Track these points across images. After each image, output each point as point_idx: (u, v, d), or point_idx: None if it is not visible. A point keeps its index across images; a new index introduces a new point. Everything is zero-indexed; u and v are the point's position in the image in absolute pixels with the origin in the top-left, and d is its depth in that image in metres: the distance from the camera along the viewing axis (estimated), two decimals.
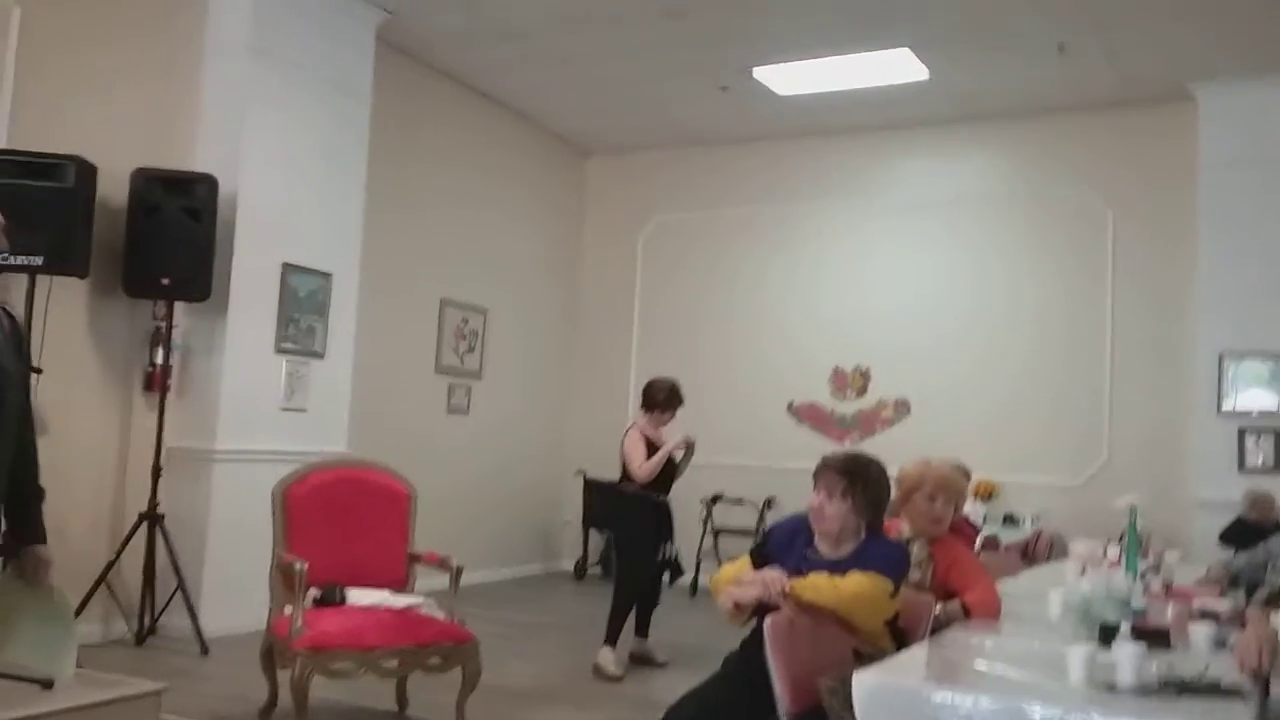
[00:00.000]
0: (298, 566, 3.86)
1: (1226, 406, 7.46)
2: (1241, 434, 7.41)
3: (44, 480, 2.86)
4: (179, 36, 6.37)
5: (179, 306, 6.11)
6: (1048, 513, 7.77)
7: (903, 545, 3.51)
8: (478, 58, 8.14)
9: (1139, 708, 2.39)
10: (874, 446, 8.07)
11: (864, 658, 2.95)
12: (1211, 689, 2.57)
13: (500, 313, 9.25)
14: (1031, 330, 8.53)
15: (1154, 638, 2.94)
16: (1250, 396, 7.43)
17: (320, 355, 6.79)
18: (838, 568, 3.25)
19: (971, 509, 6.95)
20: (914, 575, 3.53)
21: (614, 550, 6.65)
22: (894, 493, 3.74)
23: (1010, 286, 8.66)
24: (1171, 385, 7.93)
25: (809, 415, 9.30)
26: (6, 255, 2.56)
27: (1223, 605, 3.73)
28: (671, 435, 6.15)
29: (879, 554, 3.28)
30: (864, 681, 2.51)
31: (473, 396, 8.93)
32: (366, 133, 7.19)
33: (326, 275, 6.84)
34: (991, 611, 3.49)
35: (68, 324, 5.68)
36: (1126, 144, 8.34)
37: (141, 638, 5.81)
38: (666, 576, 6.25)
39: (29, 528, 2.80)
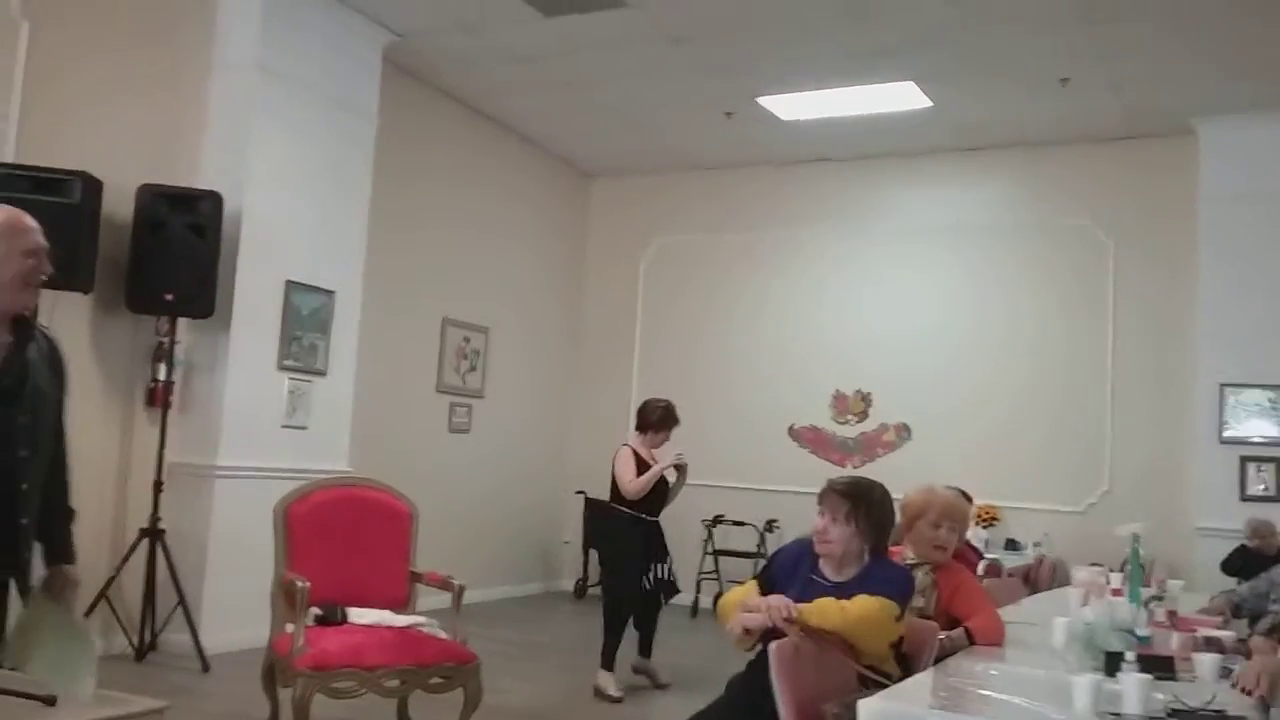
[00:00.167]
0: (299, 585, 3.84)
1: (1228, 435, 7.46)
2: (1243, 463, 7.41)
3: None
4: (186, 53, 6.41)
5: (182, 322, 6.11)
6: (1050, 539, 7.76)
7: (907, 568, 3.52)
8: (483, 80, 8.18)
9: None
10: (875, 470, 8.08)
11: (869, 683, 2.95)
12: (1217, 718, 2.57)
13: (502, 332, 9.27)
14: (1032, 358, 8.55)
15: (1159, 666, 2.94)
16: (1251, 426, 7.43)
17: (322, 373, 6.80)
18: (842, 591, 3.25)
19: (974, 535, 6.94)
20: (918, 602, 3.53)
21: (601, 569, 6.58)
22: (898, 519, 3.75)
23: (1011, 315, 8.69)
24: (1172, 414, 7.94)
25: (810, 438, 9.30)
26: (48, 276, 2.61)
27: (1227, 634, 3.73)
28: (666, 457, 6.10)
29: (883, 577, 3.29)
30: (869, 708, 2.51)
31: (474, 416, 8.93)
32: (371, 152, 7.22)
33: (329, 293, 6.85)
34: (996, 638, 3.49)
35: (71, 339, 5.61)
36: (1128, 176, 8.39)
37: (142, 654, 5.79)
38: (663, 598, 6.18)
39: (59, 547, 2.82)
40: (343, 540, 4.25)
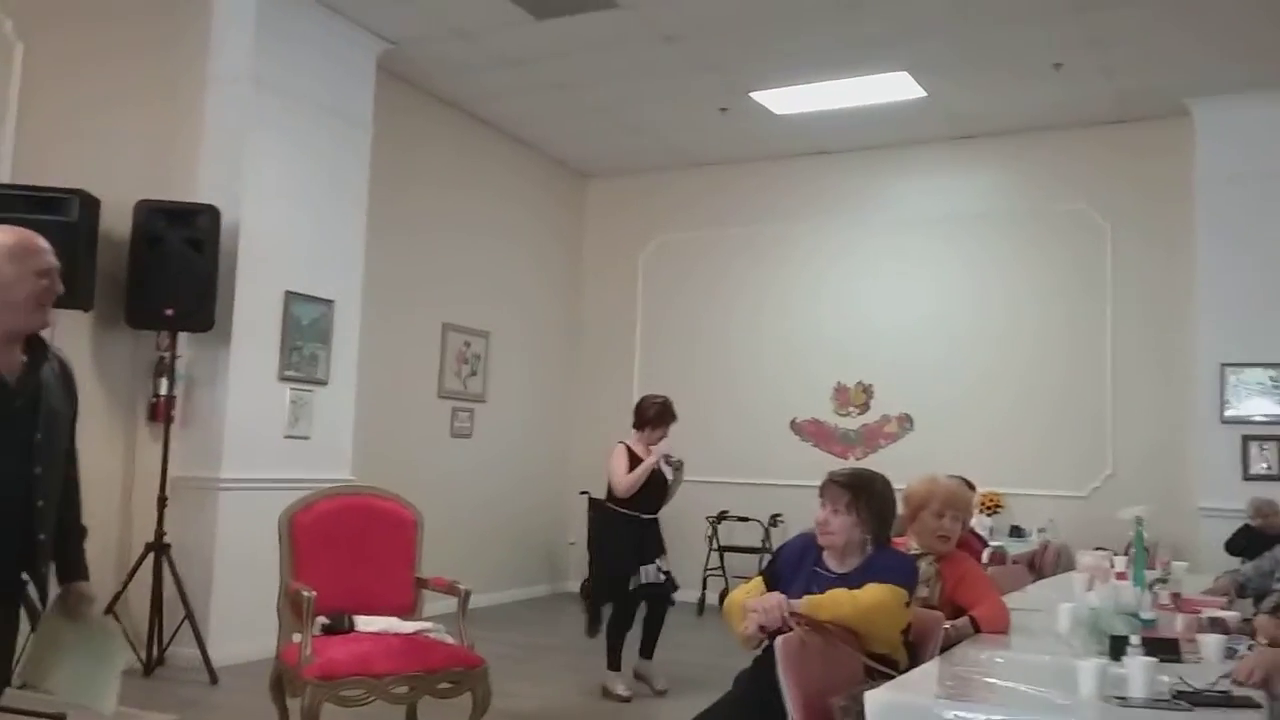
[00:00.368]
0: (305, 594, 3.86)
1: (1229, 415, 7.47)
2: (1245, 442, 7.42)
3: None
4: (180, 67, 6.42)
5: (182, 336, 6.12)
6: (1054, 525, 7.77)
7: (909, 556, 3.53)
8: (477, 85, 8.20)
9: (1150, 719, 2.39)
10: (878, 461, 8.09)
11: (876, 675, 2.97)
12: (1223, 699, 2.58)
13: (502, 336, 9.28)
14: (1033, 344, 8.55)
15: (1164, 649, 2.95)
16: (1252, 405, 7.44)
17: (324, 382, 6.81)
18: (846, 582, 3.27)
19: (978, 522, 6.95)
20: (922, 592, 3.54)
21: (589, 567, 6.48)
22: (901, 509, 3.76)
23: (1011, 301, 8.69)
24: (1174, 396, 7.95)
25: (812, 431, 9.31)
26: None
27: (1231, 615, 3.74)
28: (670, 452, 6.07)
29: (887, 566, 3.31)
30: (876, 699, 2.52)
31: (476, 420, 8.94)
32: (368, 160, 7.23)
33: (329, 303, 6.86)
34: (1001, 626, 3.50)
35: (72, 357, 5.58)
36: (1124, 159, 8.39)
37: (150, 668, 5.79)
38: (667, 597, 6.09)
39: (73, 564, 2.86)
40: (348, 548, 4.26)
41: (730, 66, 7.64)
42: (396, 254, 7.93)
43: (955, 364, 8.76)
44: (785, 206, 9.61)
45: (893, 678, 2.85)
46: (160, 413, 6.08)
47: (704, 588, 8.95)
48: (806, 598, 3.15)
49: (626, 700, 5.69)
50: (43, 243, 2.69)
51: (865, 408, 9.16)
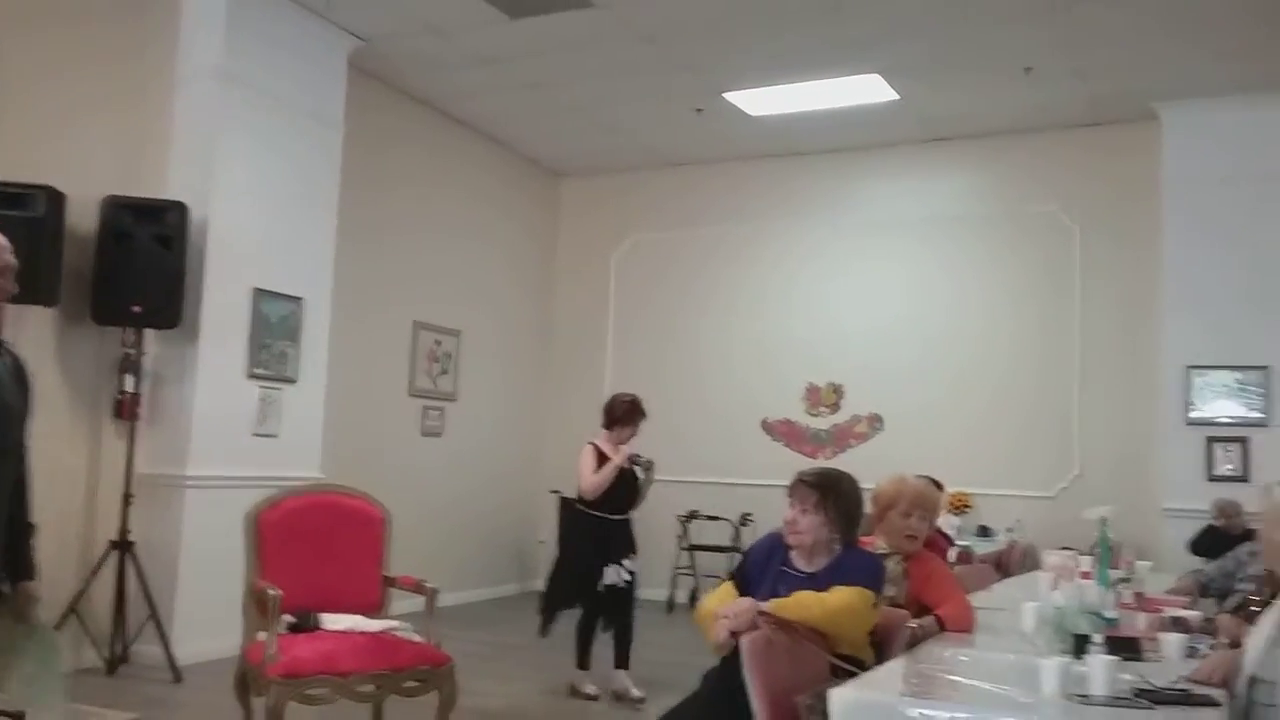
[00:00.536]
0: (271, 593, 3.83)
1: (1194, 417, 7.55)
2: (1209, 443, 7.50)
3: None
4: (151, 64, 6.36)
5: (149, 334, 6.07)
6: (1022, 525, 7.83)
7: (877, 556, 3.55)
8: (450, 83, 8.17)
9: (1110, 717, 2.41)
10: (848, 461, 8.12)
11: (842, 674, 2.98)
12: (1184, 698, 2.61)
13: (474, 334, 9.25)
14: (1003, 345, 8.62)
15: (1126, 648, 2.98)
16: (1217, 407, 7.53)
17: (292, 380, 6.76)
18: (814, 581, 3.29)
19: (946, 522, 6.99)
20: (890, 591, 3.56)
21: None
22: (869, 509, 3.78)
23: (981, 303, 8.75)
24: (1141, 397, 8.02)
25: (783, 431, 9.34)
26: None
27: (1193, 614, 3.78)
28: (639, 452, 6.01)
29: (855, 566, 3.33)
30: (841, 697, 2.53)
31: (447, 418, 8.91)
32: (339, 158, 7.19)
33: (298, 300, 6.82)
34: (966, 624, 3.52)
35: (36, 353, 5.57)
36: (1094, 162, 8.46)
37: (113, 666, 5.74)
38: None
39: (21, 563, 2.82)
40: (315, 547, 4.22)
41: (704, 67, 7.65)
42: (367, 252, 7.89)
43: (926, 365, 8.81)
44: (758, 207, 9.63)
45: (857, 675, 2.86)
46: (126, 410, 6.02)
47: (674, 587, 8.96)
48: (773, 601, 3.16)
49: (594, 699, 5.68)
50: (1, 240, 2.66)
51: (836, 408, 9.20)
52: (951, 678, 2.78)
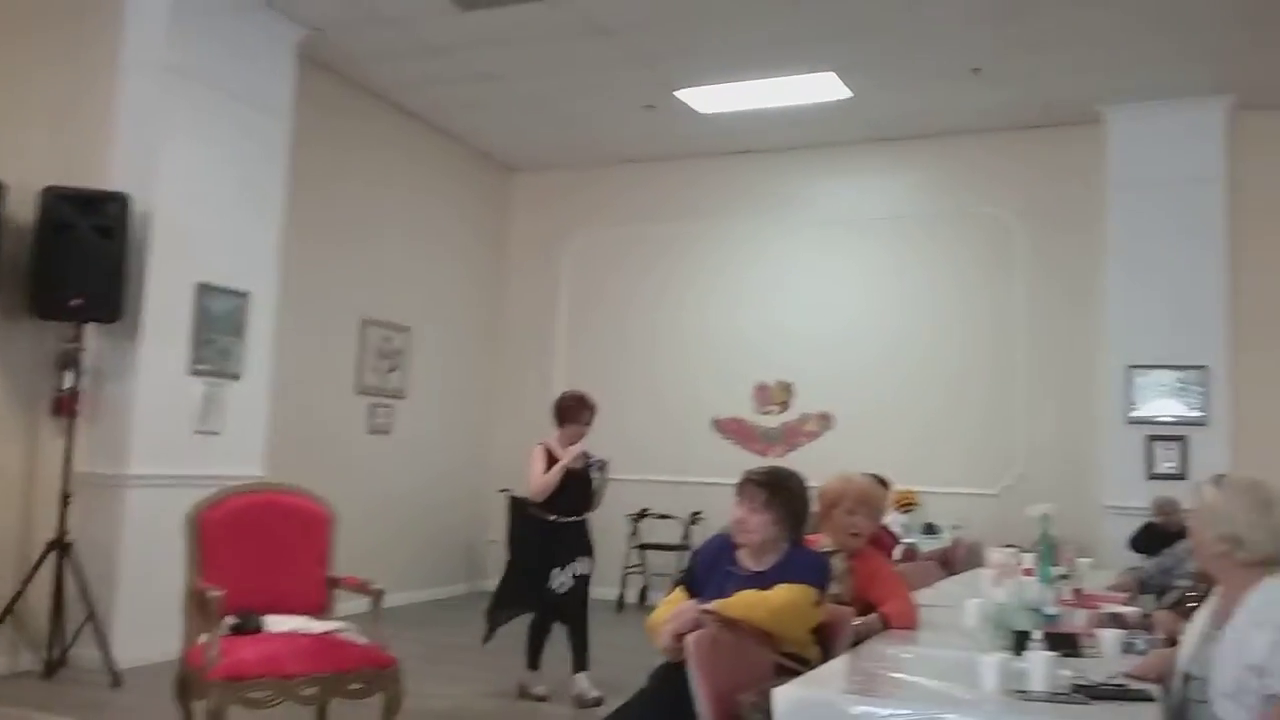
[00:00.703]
0: (211, 594, 3.77)
1: (1135, 416, 7.69)
2: (1149, 442, 7.64)
3: None
4: (95, 54, 6.23)
5: (89, 328, 5.95)
6: (967, 522, 7.92)
7: (824, 554, 3.57)
8: (402, 75, 8.09)
9: (1049, 713, 2.45)
10: (798, 459, 8.17)
11: (787, 672, 2.99)
12: (1120, 693, 2.65)
13: (424, 331, 9.18)
14: (950, 344, 8.72)
15: (1064, 644, 3.02)
16: (1157, 406, 7.66)
17: (237, 376, 6.66)
18: (762, 580, 3.31)
19: (894, 520, 7.06)
20: (835, 588, 3.58)
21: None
22: (815, 507, 3.80)
23: (929, 303, 8.85)
24: (1083, 396, 8.15)
25: (733, 430, 9.37)
26: None
27: (1131, 610, 3.84)
28: (592, 452, 5.92)
29: (802, 564, 3.36)
30: (784, 695, 2.54)
31: (396, 416, 8.84)
32: (286, 150, 7.09)
33: (243, 295, 6.72)
34: (909, 622, 3.56)
35: None
36: (1040, 164, 8.58)
37: (51, 670, 5.61)
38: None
39: None
40: (258, 547, 4.17)
41: (658, 63, 7.65)
42: (317, 246, 7.80)
43: (875, 363, 8.88)
44: (711, 204, 9.66)
45: (802, 673, 2.88)
46: (65, 407, 5.89)
47: (623, 586, 8.96)
48: (718, 600, 3.17)
49: (543, 699, 5.65)
50: None
51: (786, 406, 9.25)
52: (894, 675, 2.81)
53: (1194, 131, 7.80)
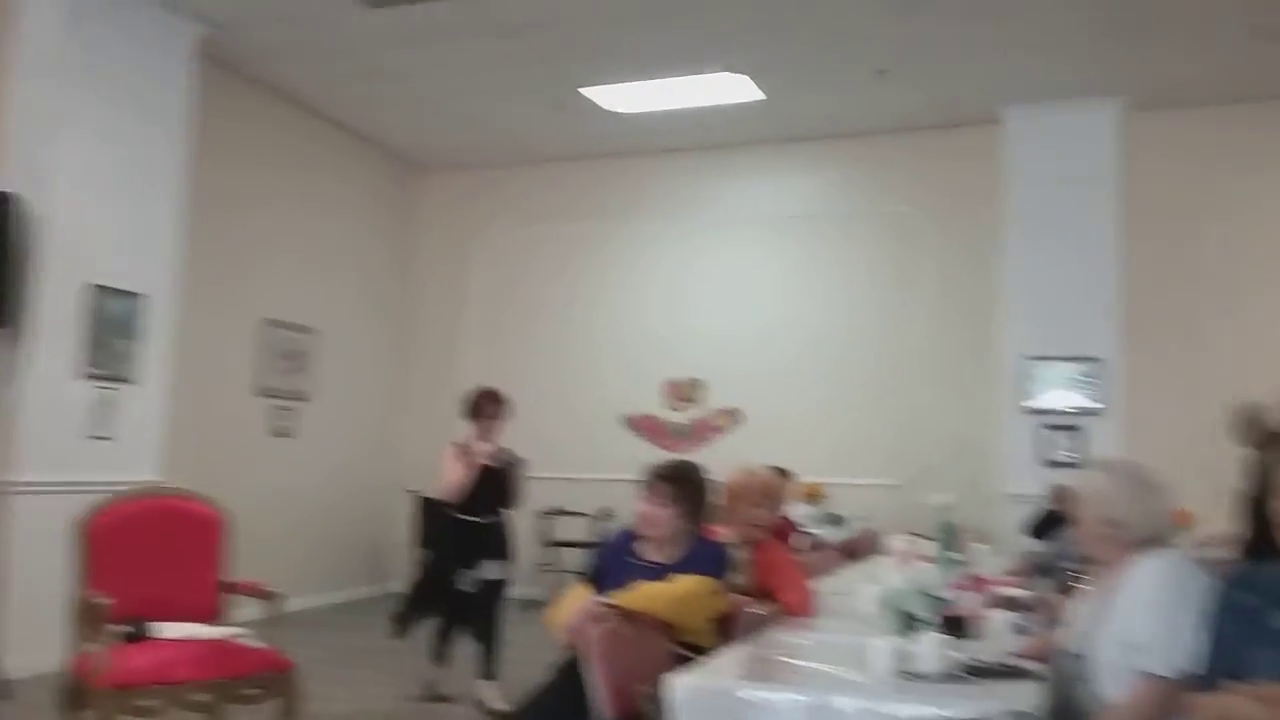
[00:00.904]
0: (98, 602, 3.65)
1: (1032, 406, 7.89)
2: (1045, 431, 7.85)
3: None
4: None
5: None
6: (873, 513, 8.03)
7: (724, 545, 3.60)
8: (307, 73, 7.95)
9: (936, 693, 2.50)
10: (708, 454, 8.20)
11: (685, 662, 3.00)
12: (1007, 672, 2.71)
13: (331, 333, 9.03)
14: (857, 340, 8.85)
15: (956, 627, 3.08)
16: (1053, 396, 7.88)
17: (131, 380, 6.47)
18: (665, 572, 3.32)
19: (800, 511, 7.13)
20: (736, 579, 3.62)
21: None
22: (719, 499, 3.83)
23: (837, 299, 8.98)
24: (984, 389, 8.32)
25: (645, 426, 9.39)
26: None
27: (1022, 593, 3.94)
28: (507, 448, 5.84)
29: (704, 555, 3.41)
30: (679, 684, 2.55)
31: (300, 418, 8.67)
32: (184, 151, 6.90)
33: (139, 297, 6.53)
34: (806, 609, 3.60)
35: None
36: (944, 163, 8.74)
37: None
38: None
39: None
40: (148, 553, 4.05)
41: (566, 62, 7.61)
42: (217, 247, 7.61)
43: (784, 360, 8.97)
44: (622, 204, 9.66)
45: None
46: None
47: (535, 584, 8.90)
48: (618, 593, 3.18)
49: (448, 700, 5.57)
50: None
51: (696, 402, 9.30)
52: (790, 661, 2.84)
53: (1088, 132, 8.01)
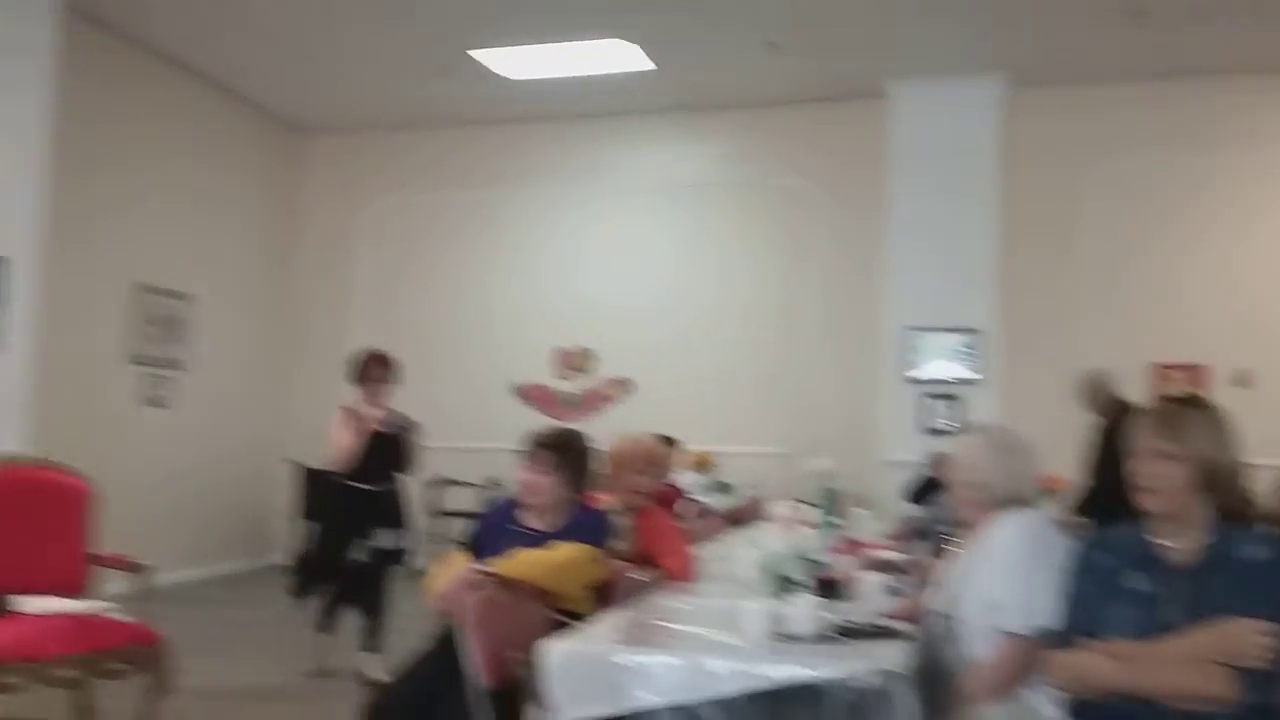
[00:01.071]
0: None
1: (912, 375, 8.09)
2: (925, 399, 8.07)
3: None
4: None
5: None
6: (763, 480, 8.14)
7: (605, 513, 3.61)
8: (183, 29, 7.65)
9: (808, 653, 2.54)
10: (598, 423, 8.20)
11: (562, 628, 3.00)
12: (878, 632, 2.78)
13: (209, 299, 8.75)
14: (745, 309, 8.94)
15: (830, 589, 3.14)
16: (933, 366, 8.09)
17: None
18: (546, 539, 3.32)
19: (689, 479, 7.20)
20: (619, 545, 3.63)
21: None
22: (603, 468, 3.84)
23: (726, 269, 9.05)
24: (869, 358, 8.49)
25: (535, 395, 9.36)
26: None
27: (898, 556, 4.03)
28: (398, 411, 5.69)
29: (586, 523, 3.42)
30: (554, 650, 2.55)
31: (176, 387, 8.40)
32: (50, 108, 6.56)
33: (2, 260, 6.22)
34: (687, 575, 3.64)
35: None
36: (831, 135, 8.84)
37: None
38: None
39: None
40: (8, 525, 3.89)
41: (455, 22, 7.45)
42: (85, 209, 7.30)
43: (674, 329, 9.02)
44: (513, 171, 9.55)
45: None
46: None
47: (423, 554, 8.82)
48: (496, 561, 3.17)
49: (331, 675, 5.43)
50: None
51: (587, 371, 9.30)
52: (666, 625, 2.86)
53: (971, 106, 8.19)
